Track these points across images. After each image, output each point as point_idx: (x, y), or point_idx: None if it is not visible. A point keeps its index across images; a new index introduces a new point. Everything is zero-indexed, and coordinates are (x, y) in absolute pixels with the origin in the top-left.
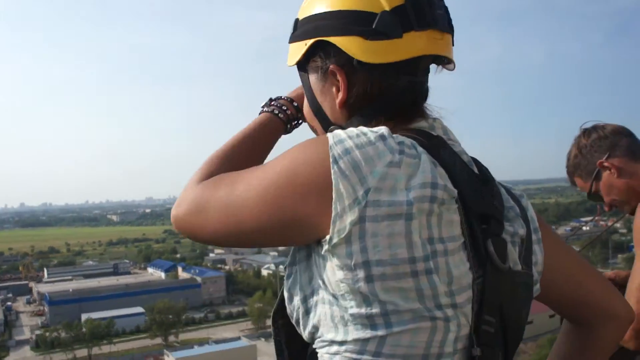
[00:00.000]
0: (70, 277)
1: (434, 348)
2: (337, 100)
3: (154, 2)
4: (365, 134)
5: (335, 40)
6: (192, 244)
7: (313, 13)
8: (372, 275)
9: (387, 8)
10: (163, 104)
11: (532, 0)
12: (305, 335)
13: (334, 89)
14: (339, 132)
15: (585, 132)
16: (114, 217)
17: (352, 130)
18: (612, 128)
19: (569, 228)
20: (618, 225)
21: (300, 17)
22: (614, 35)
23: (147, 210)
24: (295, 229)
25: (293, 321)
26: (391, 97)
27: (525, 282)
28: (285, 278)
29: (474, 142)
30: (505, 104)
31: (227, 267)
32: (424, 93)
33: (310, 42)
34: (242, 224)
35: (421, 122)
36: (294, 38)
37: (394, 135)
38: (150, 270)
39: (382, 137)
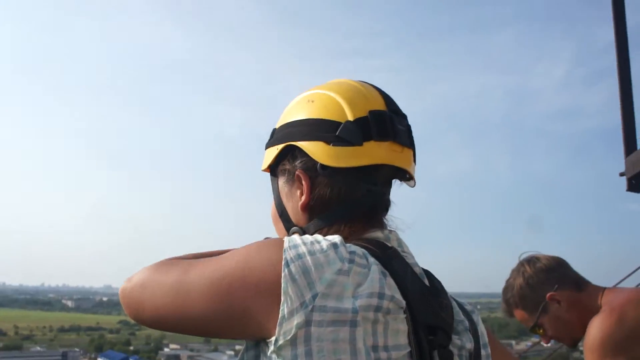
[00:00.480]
0: None
1: None
2: (300, 203)
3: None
4: (319, 242)
5: (302, 144)
6: (147, 337)
7: (287, 122)
8: None
9: (350, 118)
10: (133, 191)
11: (502, 117)
12: None
13: (298, 193)
14: (295, 237)
15: (530, 263)
16: (69, 303)
17: (307, 237)
18: (554, 260)
19: (530, 343)
20: (580, 343)
21: (277, 126)
22: (578, 155)
23: (104, 299)
24: (241, 323)
25: None
26: (350, 203)
27: None
28: None
29: (437, 253)
30: (472, 217)
31: None
32: (383, 204)
33: (281, 146)
34: (188, 309)
35: (377, 232)
36: (269, 144)
37: (347, 244)
38: None
39: (334, 246)
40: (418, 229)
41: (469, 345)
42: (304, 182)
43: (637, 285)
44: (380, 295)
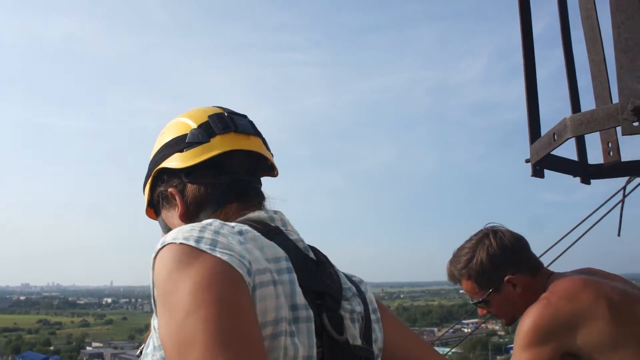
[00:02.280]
0: None
1: None
2: (178, 214)
3: None
4: (208, 224)
5: (164, 164)
6: (68, 336)
7: (152, 156)
8: None
9: (194, 126)
10: (45, 184)
11: (427, 110)
12: None
13: (176, 209)
14: (181, 233)
15: (495, 236)
16: None
17: (191, 227)
18: (518, 240)
19: (452, 330)
20: (497, 327)
21: (148, 167)
22: (496, 146)
23: (22, 298)
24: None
25: None
26: (218, 195)
27: (365, 356)
28: None
29: (362, 245)
30: (396, 208)
31: None
32: (252, 191)
33: (150, 177)
34: None
35: (260, 213)
36: (143, 184)
37: (230, 222)
38: None
39: (221, 226)
40: (346, 220)
41: (359, 308)
42: (176, 196)
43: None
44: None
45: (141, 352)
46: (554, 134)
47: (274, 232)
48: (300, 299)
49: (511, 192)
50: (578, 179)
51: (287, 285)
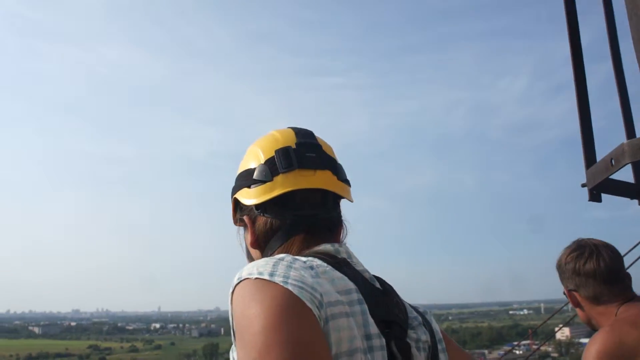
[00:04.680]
0: None
1: None
2: (248, 242)
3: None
4: (280, 259)
5: (236, 196)
6: None
7: (236, 177)
8: None
9: (262, 162)
10: (94, 211)
11: (467, 131)
12: None
13: (249, 234)
14: (255, 268)
15: (570, 254)
16: (36, 329)
17: (264, 262)
18: (591, 267)
19: (502, 352)
20: (550, 349)
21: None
22: (539, 167)
23: (73, 324)
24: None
25: None
26: (285, 229)
27: None
28: None
29: (409, 266)
30: (440, 230)
31: None
32: (320, 223)
33: (232, 201)
34: None
35: (326, 246)
36: (231, 196)
37: (301, 257)
38: None
39: (293, 260)
40: (390, 242)
41: (424, 337)
42: (248, 225)
43: None
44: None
45: None
46: (612, 159)
47: (342, 263)
48: (374, 328)
49: (558, 210)
50: (636, 202)
51: (359, 316)
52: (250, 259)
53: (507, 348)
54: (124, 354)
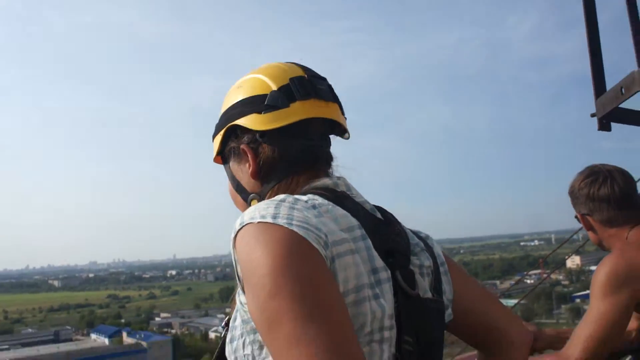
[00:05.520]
0: (7, 347)
1: None
2: (249, 172)
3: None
4: (282, 200)
5: (240, 121)
6: (137, 309)
7: (225, 109)
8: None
9: (275, 88)
10: (106, 165)
11: (478, 68)
12: None
13: (247, 165)
14: (257, 211)
15: (585, 180)
16: (56, 283)
17: (266, 206)
18: (605, 192)
19: (513, 282)
20: (561, 277)
21: (219, 116)
22: (552, 102)
23: (90, 275)
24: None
25: None
26: (291, 159)
27: (436, 308)
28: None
29: (421, 202)
30: (452, 166)
31: (173, 331)
32: (323, 156)
33: (224, 130)
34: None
35: (325, 180)
36: (214, 134)
37: (301, 195)
38: (93, 336)
39: (295, 201)
40: (403, 180)
41: (427, 263)
42: (248, 154)
43: None
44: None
45: (227, 323)
46: (622, 88)
47: (343, 198)
48: (379, 262)
49: (568, 142)
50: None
51: (364, 252)
52: (242, 193)
53: (517, 278)
54: (143, 301)
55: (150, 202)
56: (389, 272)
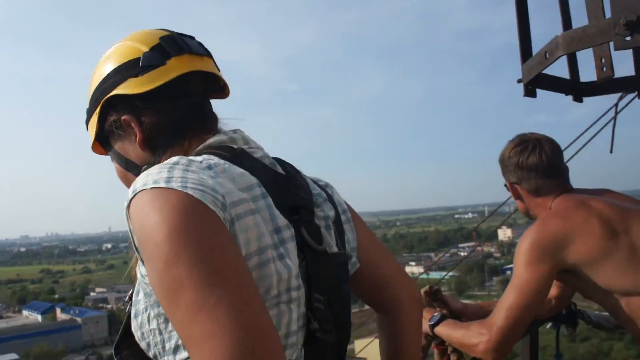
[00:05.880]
0: None
1: (282, 330)
2: (137, 142)
3: None
4: (175, 163)
5: (117, 91)
6: (72, 284)
7: (95, 86)
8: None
9: (146, 49)
10: (38, 135)
11: (415, 39)
12: (167, 356)
13: (132, 137)
14: (150, 177)
15: (514, 148)
16: None
17: (159, 169)
18: (534, 161)
19: (448, 254)
20: (493, 250)
21: (89, 100)
22: (487, 71)
23: (22, 249)
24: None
25: (144, 345)
26: (178, 120)
27: (342, 261)
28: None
29: (357, 174)
30: (390, 138)
31: (109, 306)
32: (210, 113)
33: (99, 107)
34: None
35: (220, 137)
36: (87, 119)
37: (195, 156)
38: (25, 313)
39: (189, 163)
40: (338, 151)
41: (331, 213)
42: (132, 123)
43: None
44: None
45: (130, 297)
46: (546, 53)
47: (241, 155)
48: (281, 220)
49: (503, 116)
50: (570, 98)
51: (265, 211)
52: (134, 169)
53: (452, 250)
54: (77, 276)
55: (85, 172)
56: (293, 230)
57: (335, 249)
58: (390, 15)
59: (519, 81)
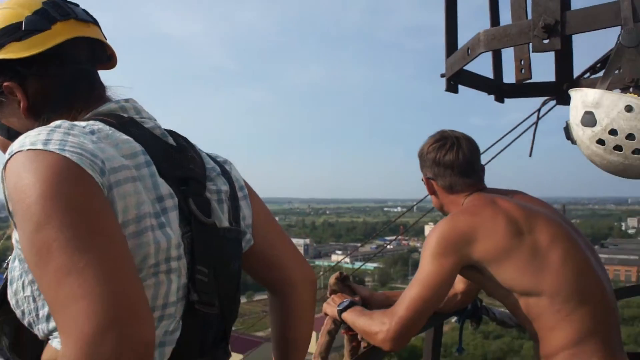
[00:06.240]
0: None
1: (159, 300)
2: (21, 110)
3: None
4: (56, 127)
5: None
6: None
7: None
8: None
9: (29, 13)
10: None
11: (360, 31)
12: (40, 324)
13: (15, 104)
14: (28, 139)
15: (433, 144)
16: None
17: (38, 132)
18: (450, 159)
19: (375, 246)
20: (418, 245)
21: None
22: (428, 70)
23: None
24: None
25: (19, 313)
26: (65, 87)
27: (234, 237)
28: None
29: (290, 159)
30: (324, 125)
31: None
32: (97, 81)
33: None
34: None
35: (110, 105)
36: None
37: (80, 121)
38: None
39: (71, 127)
40: (272, 135)
41: (225, 188)
42: (15, 90)
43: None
44: (143, 152)
45: (7, 266)
46: (468, 49)
47: (129, 124)
48: (164, 189)
49: (439, 115)
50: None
51: (147, 180)
52: (13, 134)
53: (379, 242)
54: None
55: None
56: (176, 199)
57: (226, 224)
58: (338, 5)
59: (442, 76)
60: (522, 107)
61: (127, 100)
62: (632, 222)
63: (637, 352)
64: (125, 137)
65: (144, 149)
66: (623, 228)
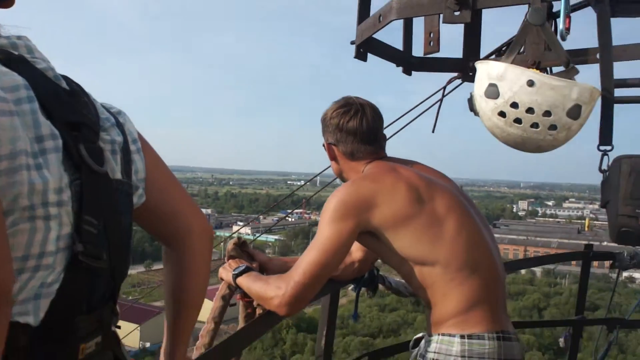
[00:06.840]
0: None
1: (34, 248)
2: None
3: None
4: None
5: None
6: None
7: None
8: None
9: None
10: None
11: (280, 5)
12: None
13: None
14: None
15: (337, 109)
16: None
17: None
18: (353, 125)
19: (276, 218)
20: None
21: None
22: (343, 48)
23: None
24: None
25: None
26: None
27: (125, 190)
28: None
29: (195, 126)
30: (234, 95)
31: None
32: None
33: None
34: None
35: (0, 40)
36: None
37: None
38: None
39: None
40: (178, 103)
41: (119, 139)
42: None
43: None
44: (25, 87)
45: None
46: (380, 16)
47: (17, 60)
48: (46, 129)
49: (349, 92)
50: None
51: (27, 116)
52: None
53: (281, 215)
54: None
55: None
56: (60, 141)
57: (119, 176)
58: None
59: (352, 43)
60: (432, 90)
61: (19, 38)
62: (522, 204)
63: (519, 321)
64: (5, 69)
65: (27, 84)
66: (514, 210)
